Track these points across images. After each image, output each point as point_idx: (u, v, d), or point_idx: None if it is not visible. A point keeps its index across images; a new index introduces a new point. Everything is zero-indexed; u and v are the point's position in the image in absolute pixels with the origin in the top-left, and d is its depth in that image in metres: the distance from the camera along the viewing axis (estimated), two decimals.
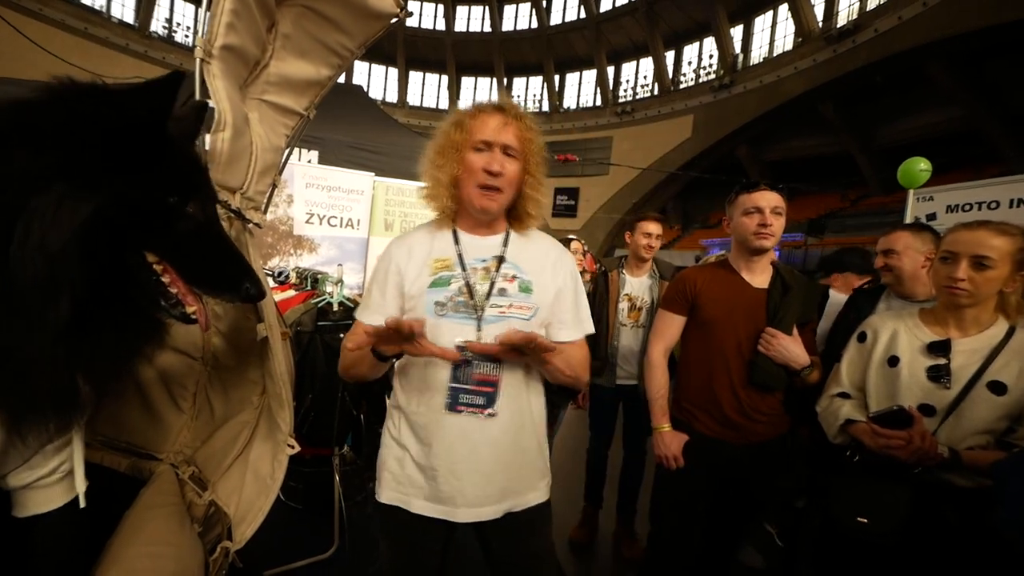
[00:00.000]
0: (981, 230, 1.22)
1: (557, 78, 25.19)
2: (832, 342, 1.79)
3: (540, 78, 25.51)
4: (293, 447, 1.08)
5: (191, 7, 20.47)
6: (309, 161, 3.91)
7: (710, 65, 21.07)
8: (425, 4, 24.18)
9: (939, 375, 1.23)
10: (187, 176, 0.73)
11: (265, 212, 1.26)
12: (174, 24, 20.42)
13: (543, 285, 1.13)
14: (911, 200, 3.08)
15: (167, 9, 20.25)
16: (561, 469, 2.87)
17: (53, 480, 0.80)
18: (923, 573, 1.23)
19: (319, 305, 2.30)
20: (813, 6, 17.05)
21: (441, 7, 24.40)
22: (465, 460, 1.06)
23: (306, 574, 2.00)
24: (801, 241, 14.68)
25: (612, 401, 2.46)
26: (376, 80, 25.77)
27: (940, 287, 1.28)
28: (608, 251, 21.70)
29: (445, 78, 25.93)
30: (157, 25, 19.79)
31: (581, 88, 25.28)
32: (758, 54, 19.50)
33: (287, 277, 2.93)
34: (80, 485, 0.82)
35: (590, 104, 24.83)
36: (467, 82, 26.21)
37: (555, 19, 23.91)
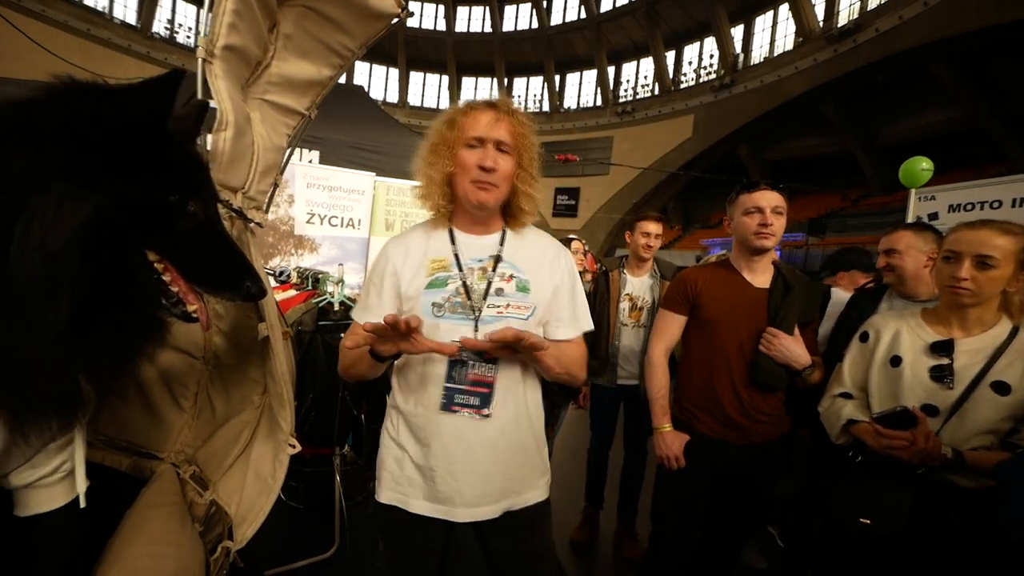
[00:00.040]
0: (984, 229, 1.21)
1: (557, 78, 25.19)
2: (834, 342, 1.78)
3: (541, 78, 25.52)
4: (294, 447, 1.08)
5: (193, 8, 20.52)
6: (310, 161, 3.92)
7: (711, 65, 21.07)
8: (426, 4, 24.21)
9: (942, 375, 1.23)
10: (188, 175, 0.73)
11: (267, 212, 1.26)
12: (176, 25, 20.48)
13: (541, 284, 1.13)
14: (913, 199, 3.08)
15: (169, 10, 20.30)
16: (562, 469, 2.88)
17: (55, 479, 0.80)
18: (926, 574, 1.22)
19: (320, 305, 2.30)
20: (814, 6, 17.04)
21: (442, 7, 24.42)
22: (462, 460, 1.06)
23: (307, 574, 2.00)
24: (802, 241, 14.66)
25: (613, 401, 2.46)
26: (377, 80, 25.80)
27: (943, 287, 1.27)
28: (609, 251, 21.70)
29: (446, 78, 25.95)
30: (159, 26, 19.84)
31: (582, 88, 25.29)
32: (759, 54, 19.49)
33: (288, 276, 2.93)
34: (81, 485, 0.82)
35: (591, 104, 24.83)
36: (468, 82, 26.24)
37: (555, 19, 23.93)
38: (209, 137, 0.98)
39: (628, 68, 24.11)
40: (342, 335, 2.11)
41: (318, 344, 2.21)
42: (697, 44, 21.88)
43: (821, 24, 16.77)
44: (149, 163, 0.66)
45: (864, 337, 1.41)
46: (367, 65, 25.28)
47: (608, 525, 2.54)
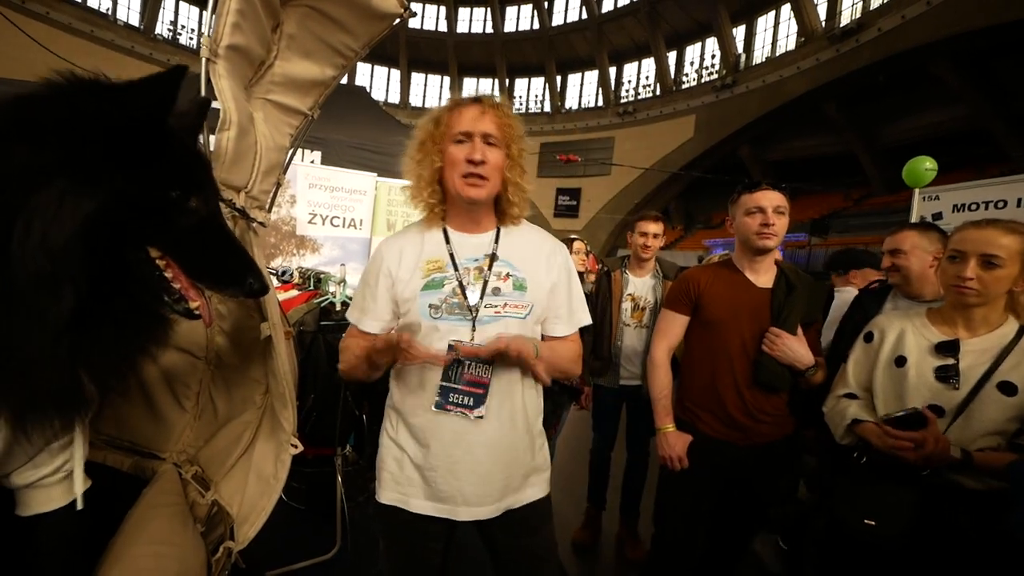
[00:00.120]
0: (990, 229, 1.20)
1: (559, 79, 25.21)
2: (839, 342, 1.77)
3: (542, 79, 25.53)
4: (296, 447, 1.08)
5: (196, 10, 20.60)
6: (312, 162, 3.92)
7: (712, 65, 21.05)
8: (427, 6, 24.25)
9: (947, 375, 1.22)
10: (189, 171, 0.72)
11: (269, 211, 1.26)
12: (179, 26, 20.56)
13: (538, 281, 1.13)
14: (917, 199, 3.07)
15: (172, 12, 20.39)
16: (564, 470, 2.87)
17: (57, 479, 0.80)
18: None
19: (322, 305, 2.30)
20: (816, 5, 17.02)
21: (443, 8, 24.46)
22: (462, 461, 1.06)
23: (308, 575, 2.00)
24: (805, 241, 14.63)
25: (615, 402, 2.45)
26: (379, 81, 25.86)
27: (948, 286, 1.26)
28: (611, 251, 21.68)
29: (447, 79, 25.99)
30: (162, 28, 19.93)
31: (583, 89, 25.30)
32: (760, 54, 19.47)
33: (290, 276, 2.93)
34: (79, 487, 0.81)
35: (592, 104, 24.83)
36: (469, 83, 26.26)
37: (557, 20, 23.95)
38: (212, 137, 0.98)
39: (630, 68, 24.11)
40: (345, 334, 2.11)
41: (320, 344, 2.21)
42: (699, 44, 21.87)
43: (823, 24, 16.75)
44: (150, 159, 0.66)
45: (869, 337, 1.40)
46: (369, 66, 25.35)
47: (610, 526, 2.53)
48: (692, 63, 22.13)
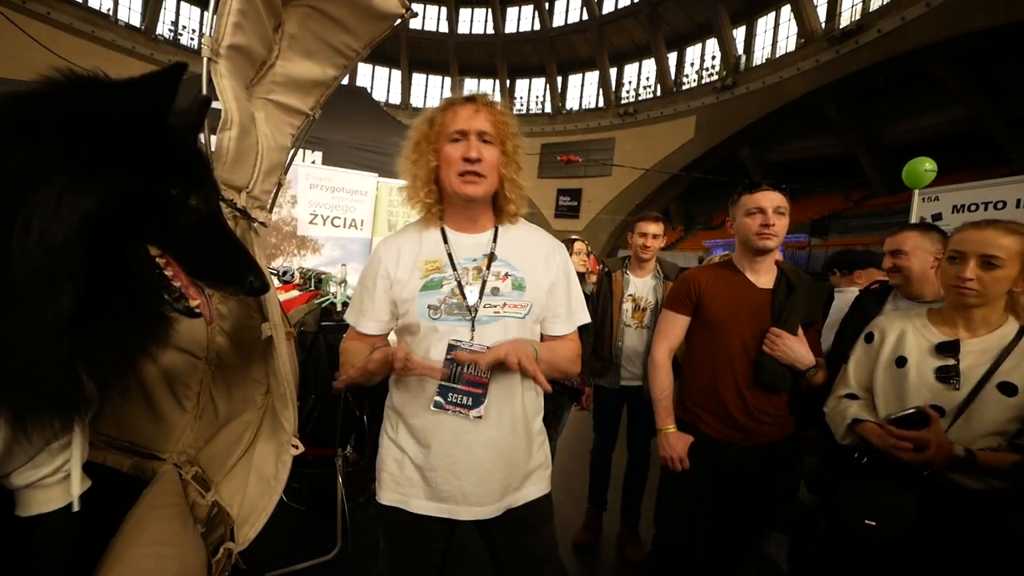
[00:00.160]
0: (989, 229, 1.20)
1: (560, 79, 25.23)
2: (839, 343, 1.77)
3: (543, 79, 25.55)
4: (297, 447, 1.08)
5: (197, 10, 20.63)
6: (313, 162, 3.92)
7: (712, 66, 21.06)
8: (428, 6, 24.27)
9: (948, 376, 1.22)
10: (189, 169, 0.72)
11: (270, 211, 1.26)
12: (180, 27, 20.58)
13: (536, 281, 1.13)
14: (916, 200, 3.07)
15: (173, 12, 20.41)
16: (565, 471, 2.87)
17: (56, 479, 0.80)
18: None
19: (323, 305, 2.30)
20: (816, 7, 17.03)
21: (444, 9, 24.48)
22: (462, 460, 1.06)
23: None
24: (805, 242, 14.63)
25: (616, 402, 2.45)
26: (380, 82, 25.88)
27: (948, 287, 1.26)
28: (611, 252, 21.69)
29: (448, 80, 26.00)
30: (163, 28, 19.95)
31: (584, 89, 25.32)
32: (761, 55, 19.49)
33: (291, 277, 2.93)
34: (76, 489, 0.81)
35: (593, 105, 24.85)
36: (470, 84, 26.27)
37: (557, 21, 23.96)
38: (213, 137, 0.98)
39: (630, 69, 24.13)
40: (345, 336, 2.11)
41: (321, 345, 2.21)
42: (699, 45, 21.89)
43: (823, 25, 16.76)
44: (150, 157, 0.66)
45: (869, 338, 1.40)
46: (370, 67, 25.37)
47: (611, 527, 2.53)
48: (692, 64, 22.15)
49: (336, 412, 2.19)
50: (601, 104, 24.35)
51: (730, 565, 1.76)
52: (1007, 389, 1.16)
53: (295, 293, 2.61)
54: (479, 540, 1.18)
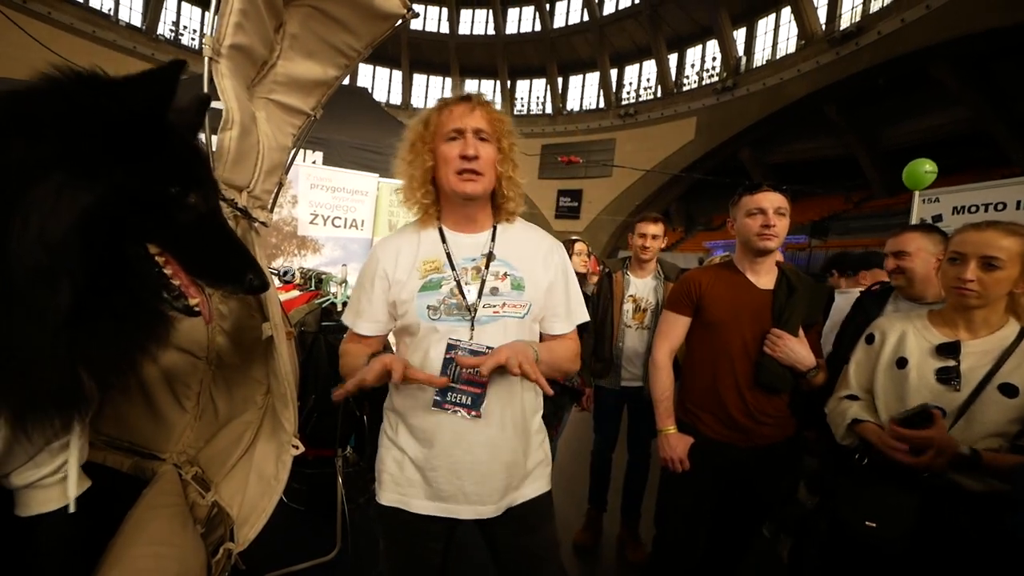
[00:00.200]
0: (990, 230, 1.20)
1: (560, 80, 25.24)
2: (840, 345, 1.77)
3: (543, 80, 25.57)
4: (297, 448, 1.08)
5: (198, 10, 20.65)
6: (314, 162, 3.93)
7: (713, 67, 21.08)
8: (429, 7, 24.30)
9: (948, 377, 1.22)
10: (188, 166, 0.72)
11: (271, 211, 1.26)
12: (181, 27, 20.60)
13: (535, 280, 1.13)
14: (917, 201, 3.07)
15: (174, 12, 20.44)
16: (565, 472, 2.86)
17: (56, 479, 0.80)
18: None
19: (323, 305, 2.30)
20: (816, 8, 17.04)
21: (445, 10, 24.50)
22: (463, 460, 1.06)
23: None
24: (805, 243, 14.62)
25: (616, 403, 2.45)
26: (380, 82, 25.90)
27: (949, 288, 1.26)
28: (612, 253, 21.69)
29: (449, 80, 26.01)
30: (164, 28, 19.97)
31: (584, 90, 25.34)
32: (761, 56, 19.50)
33: (292, 277, 2.93)
34: (72, 491, 0.80)
35: (593, 106, 24.86)
36: (471, 85, 26.27)
37: (558, 22, 23.99)
38: (214, 137, 0.98)
39: (631, 71, 24.15)
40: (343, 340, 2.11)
41: (321, 345, 2.21)
42: (699, 47, 21.90)
43: (823, 27, 16.77)
44: (149, 154, 0.65)
45: (870, 339, 1.40)
46: (371, 67, 25.40)
47: (611, 528, 2.53)
48: (693, 65, 22.16)
49: (336, 412, 2.19)
50: (602, 105, 24.36)
51: (730, 566, 1.76)
52: (1008, 390, 1.16)
53: (295, 293, 2.61)
54: (479, 540, 1.18)
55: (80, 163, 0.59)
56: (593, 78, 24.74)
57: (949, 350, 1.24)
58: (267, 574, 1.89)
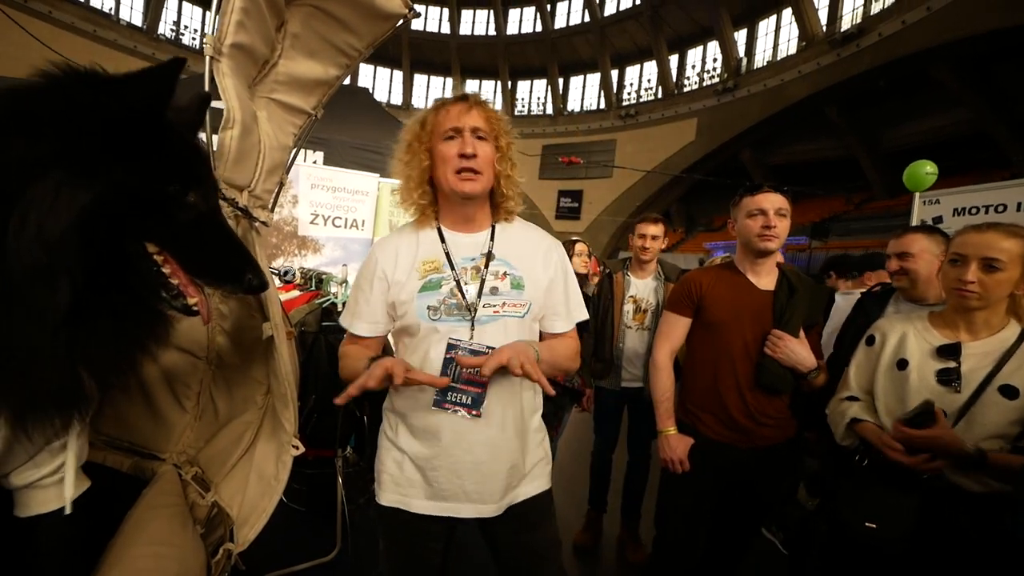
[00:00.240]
0: (991, 232, 1.20)
1: (561, 81, 25.26)
2: (841, 346, 1.77)
3: (544, 81, 25.58)
4: (297, 448, 1.08)
5: (199, 10, 20.67)
6: (314, 162, 3.93)
7: (714, 68, 21.08)
8: (430, 7, 24.31)
9: (949, 379, 1.22)
10: (187, 165, 0.71)
11: (272, 211, 1.26)
12: (182, 27, 20.62)
13: (535, 279, 1.13)
14: (917, 203, 3.06)
15: (175, 12, 20.45)
16: (565, 472, 2.86)
17: (55, 480, 0.80)
18: None
19: (323, 305, 2.30)
20: (817, 10, 17.05)
21: (446, 10, 24.52)
22: (464, 459, 1.06)
23: None
24: (805, 244, 14.62)
25: (617, 404, 2.45)
26: (381, 82, 25.91)
27: (950, 290, 1.26)
28: (612, 253, 21.69)
29: (450, 81, 26.02)
30: (165, 27, 19.98)
31: (585, 91, 25.35)
32: (762, 58, 19.50)
33: (292, 276, 2.93)
34: (69, 492, 0.80)
35: (594, 107, 24.87)
36: (472, 85, 26.29)
37: (559, 23, 24.00)
38: (215, 137, 0.98)
39: (632, 71, 24.16)
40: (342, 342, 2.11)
41: (321, 345, 2.21)
42: (700, 48, 21.91)
43: (824, 28, 16.78)
44: (148, 152, 0.65)
45: (870, 340, 1.40)
46: (372, 67, 25.41)
47: (611, 529, 2.53)
48: (694, 66, 22.17)
49: (336, 413, 2.18)
50: (602, 106, 24.37)
51: (730, 566, 1.76)
52: (1008, 392, 1.16)
53: (296, 293, 2.61)
54: (479, 540, 1.18)
55: (79, 161, 0.59)
56: (594, 79, 24.75)
57: (950, 351, 1.24)
58: (267, 574, 1.89)
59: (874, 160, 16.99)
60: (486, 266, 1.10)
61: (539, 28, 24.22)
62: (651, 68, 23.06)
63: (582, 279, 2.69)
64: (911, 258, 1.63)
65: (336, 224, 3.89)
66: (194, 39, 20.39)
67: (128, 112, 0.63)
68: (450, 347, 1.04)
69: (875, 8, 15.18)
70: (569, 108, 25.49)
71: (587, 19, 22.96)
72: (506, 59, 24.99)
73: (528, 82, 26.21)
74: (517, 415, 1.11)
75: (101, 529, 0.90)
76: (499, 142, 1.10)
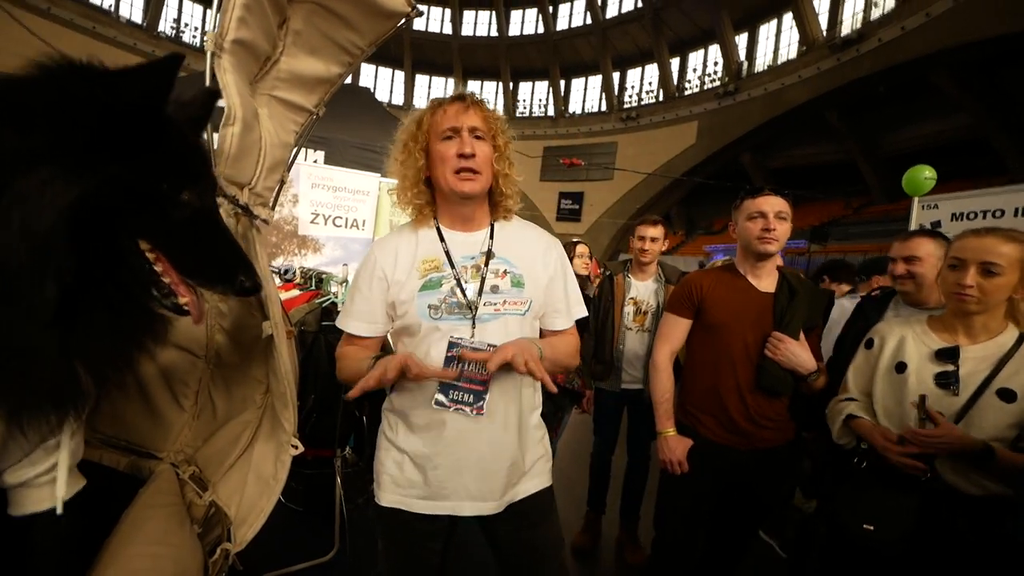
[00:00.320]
0: (989, 237, 1.21)
1: (563, 83, 25.30)
2: (841, 350, 1.77)
3: (546, 83, 25.61)
4: (297, 448, 1.07)
5: (199, 7, 20.67)
6: (315, 161, 3.92)
7: (715, 72, 21.14)
8: (432, 8, 24.33)
9: (947, 382, 1.22)
10: (184, 162, 0.70)
11: (272, 209, 1.25)
12: (182, 24, 20.62)
13: (535, 277, 1.13)
14: (916, 208, 3.07)
15: (175, 9, 20.45)
16: (565, 473, 2.86)
17: (49, 479, 0.79)
18: None
19: (323, 305, 2.30)
20: (818, 15, 17.11)
21: (448, 11, 24.55)
22: (465, 458, 1.06)
23: None
24: (804, 248, 14.65)
25: (616, 405, 2.45)
26: (383, 82, 25.93)
27: (948, 294, 1.27)
28: (613, 255, 21.71)
29: (451, 81, 26.05)
30: (165, 25, 19.98)
31: (587, 93, 25.39)
32: (762, 62, 19.57)
33: (292, 276, 2.93)
34: (60, 491, 0.78)
35: (595, 109, 24.92)
36: (473, 86, 26.25)
37: (561, 24, 24.04)
38: (215, 135, 0.97)
39: (633, 74, 24.21)
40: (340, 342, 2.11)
41: (321, 344, 2.21)
42: (701, 51, 21.97)
43: (824, 33, 16.84)
44: (144, 148, 0.64)
45: (869, 344, 1.41)
46: (373, 67, 25.42)
47: (610, 530, 2.52)
48: (695, 70, 22.23)
49: (335, 412, 2.18)
50: (604, 108, 24.41)
51: (729, 568, 1.75)
52: (1006, 395, 1.17)
53: (296, 292, 2.61)
54: (479, 539, 1.17)
55: (71, 155, 0.58)
56: (595, 81, 24.79)
57: (948, 355, 1.24)
58: (265, 574, 1.88)
59: (873, 165, 17.05)
60: (486, 264, 1.10)
61: (541, 30, 24.26)
62: (652, 71, 23.11)
63: (583, 281, 2.69)
64: (919, 262, 1.62)
65: (336, 224, 3.89)
66: (194, 37, 20.38)
67: (125, 106, 0.61)
68: (451, 345, 1.04)
69: (875, 14, 15.26)
70: (570, 110, 25.52)
71: (589, 21, 23.01)
72: (508, 60, 25.02)
73: (530, 84, 26.24)
74: (520, 413, 1.12)
75: (97, 528, 0.89)
76: (496, 141, 1.10)
